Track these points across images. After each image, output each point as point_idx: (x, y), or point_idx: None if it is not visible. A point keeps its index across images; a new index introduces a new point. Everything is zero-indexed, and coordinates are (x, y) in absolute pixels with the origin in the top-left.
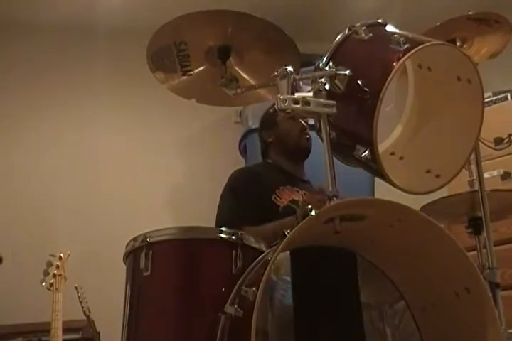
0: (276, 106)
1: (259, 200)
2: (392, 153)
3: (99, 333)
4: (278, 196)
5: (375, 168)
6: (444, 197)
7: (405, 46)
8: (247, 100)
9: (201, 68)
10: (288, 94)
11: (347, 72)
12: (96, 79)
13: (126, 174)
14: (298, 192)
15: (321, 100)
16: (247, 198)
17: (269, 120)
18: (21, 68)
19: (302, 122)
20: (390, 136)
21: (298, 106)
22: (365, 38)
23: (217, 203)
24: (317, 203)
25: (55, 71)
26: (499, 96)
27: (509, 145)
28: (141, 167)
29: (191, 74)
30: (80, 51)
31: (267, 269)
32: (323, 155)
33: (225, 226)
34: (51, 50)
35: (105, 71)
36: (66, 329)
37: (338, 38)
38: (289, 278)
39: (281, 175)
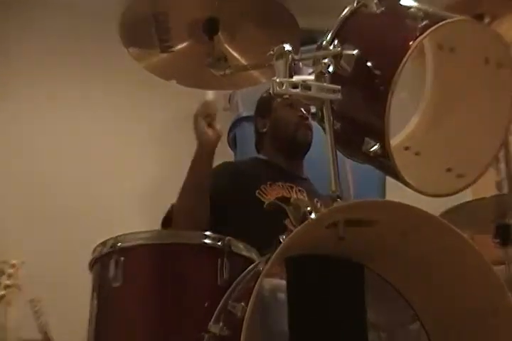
0: (271, 91)
1: (237, 195)
2: (407, 148)
3: None
4: (263, 192)
5: (386, 164)
6: (467, 202)
7: (424, 22)
8: (237, 83)
9: (184, 44)
10: (285, 76)
11: (355, 51)
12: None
13: (93, 169)
14: (291, 188)
15: (324, 84)
16: (222, 195)
17: (265, 105)
18: None
19: (302, 111)
20: (404, 127)
21: (297, 90)
22: (377, 12)
23: None
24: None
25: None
26: None
27: None
28: (110, 161)
29: (172, 51)
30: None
31: (258, 281)
32: (325, 149)
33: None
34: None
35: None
36: None
37: (345, 11)
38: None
39: (272, 170)
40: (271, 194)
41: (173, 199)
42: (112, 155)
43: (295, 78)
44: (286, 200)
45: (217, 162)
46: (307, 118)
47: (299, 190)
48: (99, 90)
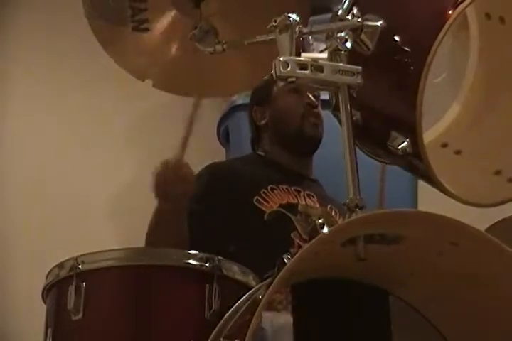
0: (273, 72)
1: (230, 204)
2: (445, 145)
3: None
4: (263, 198)
5: (418, 165)
6: None
7: None
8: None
9: (165, 19)
10: (291, 54)
11: (379, 23)
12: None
13: (50, 174)
14: (298, 192)
15: (341, 64)
16: (214, 206)
17: (263, 93)
18: None
19: (310, 96)
20: (441, 119)
21: (306, 72)
22: None
23: None
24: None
25: None
26: None
27: None
28: (73, 163)
29: (147, 29)
30: None
31: (257, 312)
32: (341, 145)
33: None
34: None
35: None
36: None
37: None
38: None
39: (273, 171)
40: (273, 200)
41: (149, 209)
42: (78, 161)
43: (303, 56)
44: (292, 207)
45: (206, 161)
46: (316, 106)
47: (308, 195)
48: (69, 82)
